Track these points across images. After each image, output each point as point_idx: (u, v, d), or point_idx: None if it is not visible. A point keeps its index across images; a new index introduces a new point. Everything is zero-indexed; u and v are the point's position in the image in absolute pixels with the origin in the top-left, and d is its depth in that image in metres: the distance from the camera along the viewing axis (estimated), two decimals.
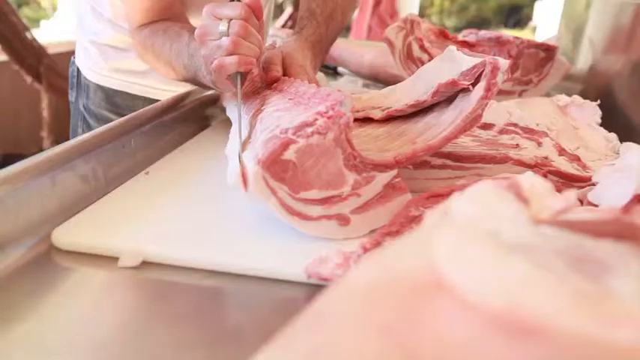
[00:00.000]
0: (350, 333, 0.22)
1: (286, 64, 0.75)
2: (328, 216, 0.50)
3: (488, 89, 0.54)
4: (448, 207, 0.32)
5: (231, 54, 0.63)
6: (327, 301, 0.24)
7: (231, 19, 0.63)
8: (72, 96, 1.09)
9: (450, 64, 0.61)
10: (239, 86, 0.66)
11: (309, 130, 0.48)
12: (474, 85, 0.56)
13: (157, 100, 0.94)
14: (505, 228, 0.27)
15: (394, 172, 0.53)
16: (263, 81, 0.76)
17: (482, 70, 0.55)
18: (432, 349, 0.21)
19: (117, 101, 1.03)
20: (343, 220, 0.51)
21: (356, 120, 0.66)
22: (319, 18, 0.88)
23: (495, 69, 0.54)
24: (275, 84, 0.72)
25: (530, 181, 0.37)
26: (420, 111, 0.64)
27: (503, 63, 0.54)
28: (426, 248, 0.25)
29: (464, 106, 0.56)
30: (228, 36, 0.63)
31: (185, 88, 0.96)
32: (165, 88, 1.00)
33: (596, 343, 0.20)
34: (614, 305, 0.21)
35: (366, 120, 0.68)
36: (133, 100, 1.02)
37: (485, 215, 0.30)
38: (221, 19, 0.64)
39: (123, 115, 0.94)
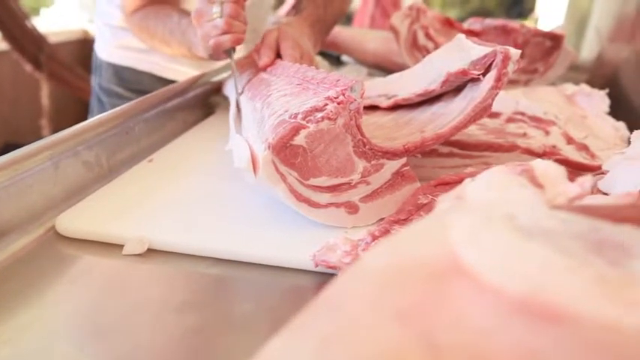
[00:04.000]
0: (366, 318, 0.21)
1: (280, 38, 0.79)
2: (337, 203, 0.50)
3: (498, 79, 0.53)
4: (461, 192, 0.31)
5: (225, 33, 0.71)
6: (341, 286, 0.24)
7: (223, 2, 0.71)
8: (92, 79, 1.18)
9: (459, 52, 0.60)
10: (232, 58, 0.74)
11: (319, 115, 0.47)
12: (484, 74, 0.55)
13: (161, 77, 1.06)
14: (521, 212, 0.27)
15: (403, 160, 0.52)
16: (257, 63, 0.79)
17: (493, 60, 0.54)
18: (451, 334, 0.20)
19: (125, 76, 1.10)
20: (352, 207, 0.50)
21: None
22: (318, 1, 0.94)
23: (506, 58, 0.53)
24: (269, 68, 0.74)
25: (543, 166, 0.36)
26: (426, 100, 0.63)
27: (515, 53, 0.53)
28: (441, 232, 0.25)
29: (474, 96, 0.55)
30: (221, 17, 0.70)
31: (185, 66, 1.05)
32: (168, 66, 1.07)
33: (620, 329, 0.19)
34: (637, 290, 0.21)
35: (372, 107, 0.67)
36: (139, 76, 1.09)
37: (500, 199, 0.30)
38: (214, 3, 0.71)
39: (131, 90, 1.06)
